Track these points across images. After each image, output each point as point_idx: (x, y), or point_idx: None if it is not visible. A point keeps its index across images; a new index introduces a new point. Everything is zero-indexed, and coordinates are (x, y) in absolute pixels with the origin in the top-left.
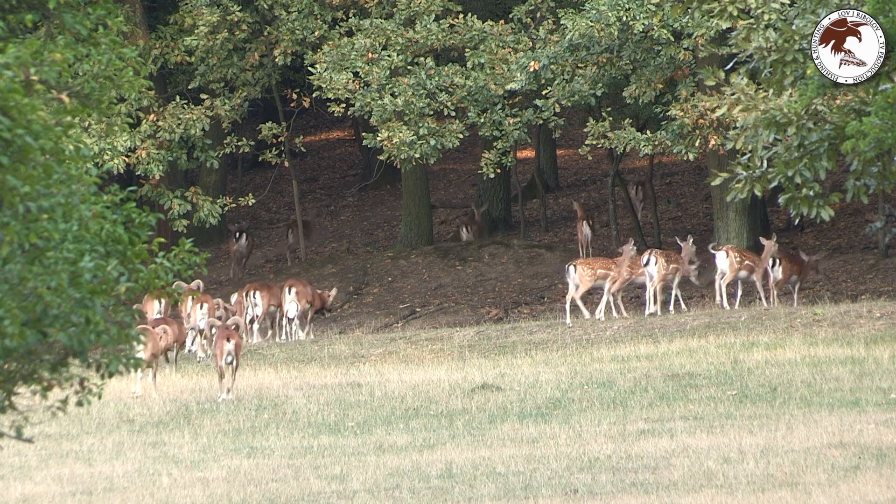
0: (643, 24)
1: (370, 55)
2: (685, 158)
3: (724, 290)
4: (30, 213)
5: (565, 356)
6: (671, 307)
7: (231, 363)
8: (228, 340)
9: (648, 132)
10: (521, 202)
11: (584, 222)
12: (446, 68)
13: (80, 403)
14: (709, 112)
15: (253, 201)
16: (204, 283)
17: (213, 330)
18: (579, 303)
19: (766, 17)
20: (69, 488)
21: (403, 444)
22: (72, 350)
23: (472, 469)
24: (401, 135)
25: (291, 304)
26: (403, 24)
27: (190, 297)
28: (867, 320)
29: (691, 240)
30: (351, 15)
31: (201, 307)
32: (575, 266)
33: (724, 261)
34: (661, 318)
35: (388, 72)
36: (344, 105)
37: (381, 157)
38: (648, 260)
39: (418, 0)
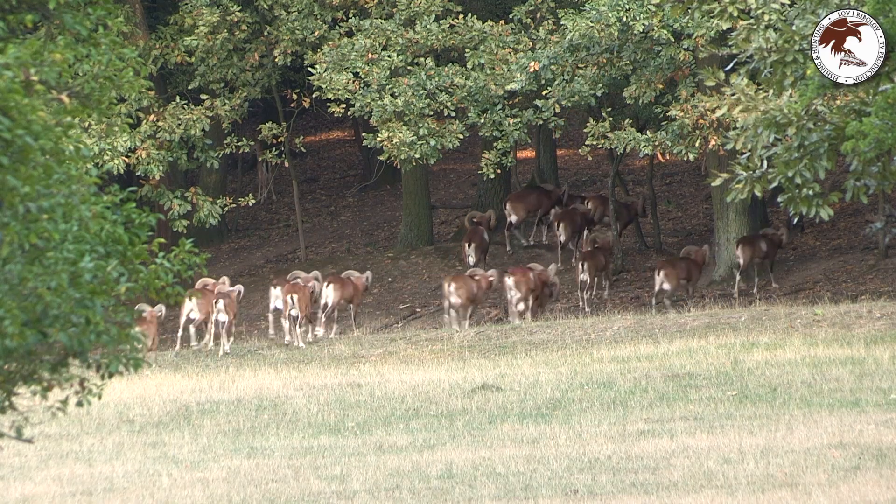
0: (643, 24)
1: (370, 55)
2: (685, 159)
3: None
4: (30, 213)
5: (565, 356)
6: None
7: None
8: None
9: (648, 132)
10: None
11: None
12: (446, 69)
13: (80, 404)
14: (709, 112)
15: (253, 201)
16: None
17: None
18: None
19: (766, 17)
20: (69, 488)
21: (403, 445)
22: (72, 350)
23: (472, 469)
24: (401, 135)
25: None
26: (403, 25)
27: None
28: (867, 321)
29: None
30: (351, 15)
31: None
32: None
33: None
34: (660, 318)
35: (388, 72)
36: (344, 105)
37: (381, 158)
38: None
39: (418, 0)
